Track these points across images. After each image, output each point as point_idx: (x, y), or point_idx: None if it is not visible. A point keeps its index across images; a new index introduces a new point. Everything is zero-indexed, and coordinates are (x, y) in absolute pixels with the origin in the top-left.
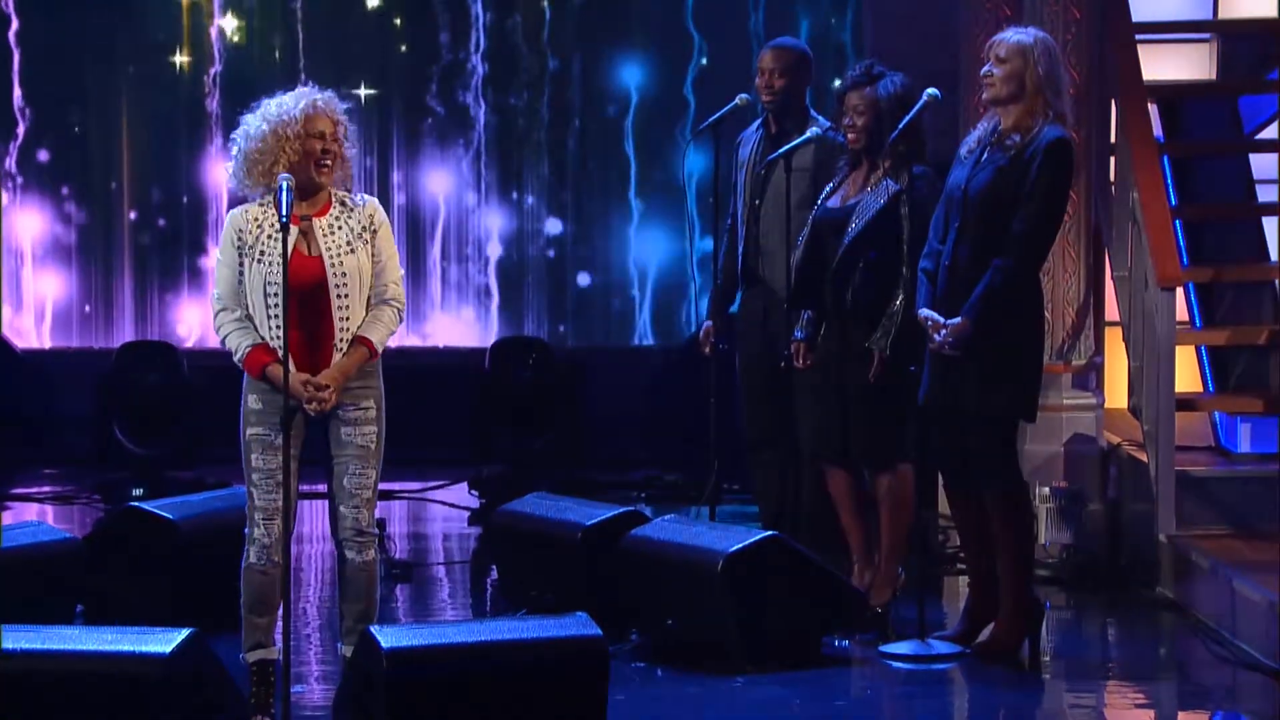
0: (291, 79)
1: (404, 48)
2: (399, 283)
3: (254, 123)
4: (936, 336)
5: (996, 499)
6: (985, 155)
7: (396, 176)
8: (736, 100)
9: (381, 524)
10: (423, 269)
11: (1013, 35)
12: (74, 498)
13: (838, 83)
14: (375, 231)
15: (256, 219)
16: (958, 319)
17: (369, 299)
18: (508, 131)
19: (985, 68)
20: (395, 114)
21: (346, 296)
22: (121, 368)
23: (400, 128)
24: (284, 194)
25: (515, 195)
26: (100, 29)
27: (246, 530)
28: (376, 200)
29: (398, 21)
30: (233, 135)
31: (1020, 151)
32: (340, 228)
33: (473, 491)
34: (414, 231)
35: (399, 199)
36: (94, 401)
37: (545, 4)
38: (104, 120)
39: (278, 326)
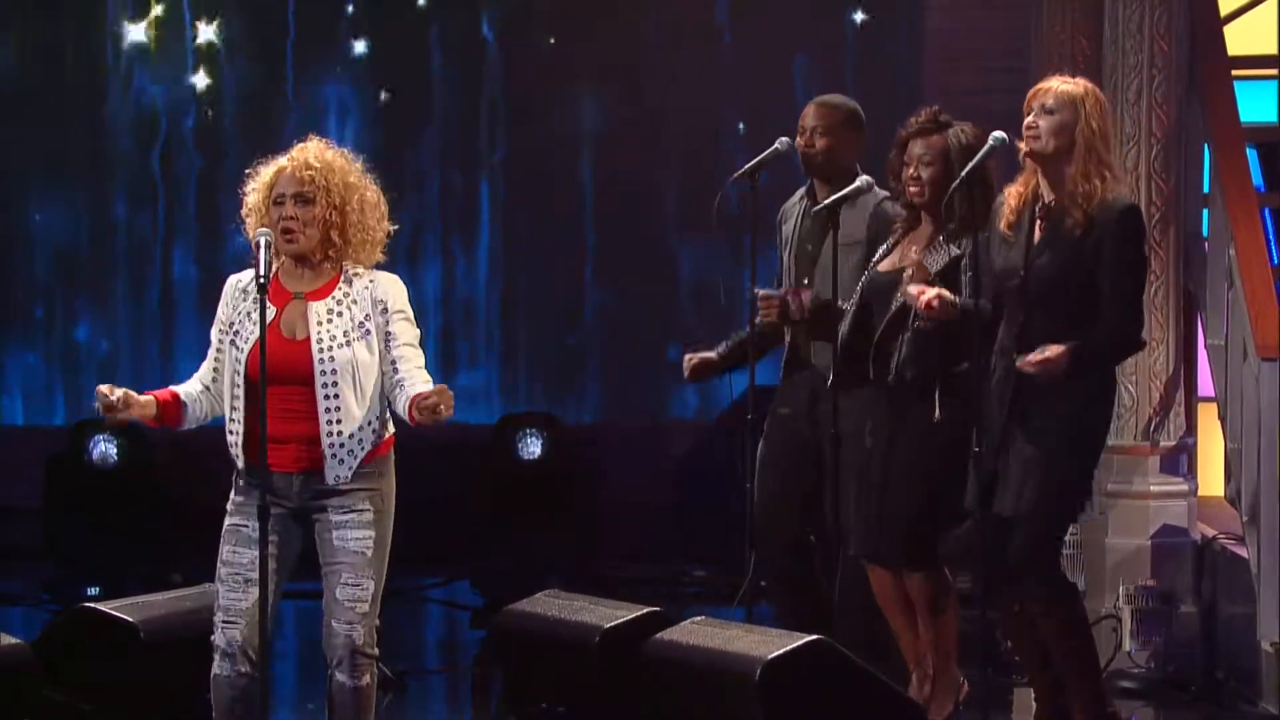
0: None
1: None
2: (423, 367)
3: (248, 191)
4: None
5: (1041, 602)
6: (1039, 234)
7: None
8: (776, 145)
9: (378, 633)
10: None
11: (1060, 84)
12: (20, 598)
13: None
14: (386, 313)
15: (245, 291)
16: (1060, 347)
17: (374, 395)
18: None
19: (1029, 118)
20: None
21: (338, 397)
22: (75, 447)
23: None
24: (262, 252)
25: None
26: None
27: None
28: (394, 278)
29: None
30: None
31: (1087, 227)
32: (342, 314)
33: (475, 589)
34: None
35: None
36: (42, 486)
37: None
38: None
39: (238, 419)
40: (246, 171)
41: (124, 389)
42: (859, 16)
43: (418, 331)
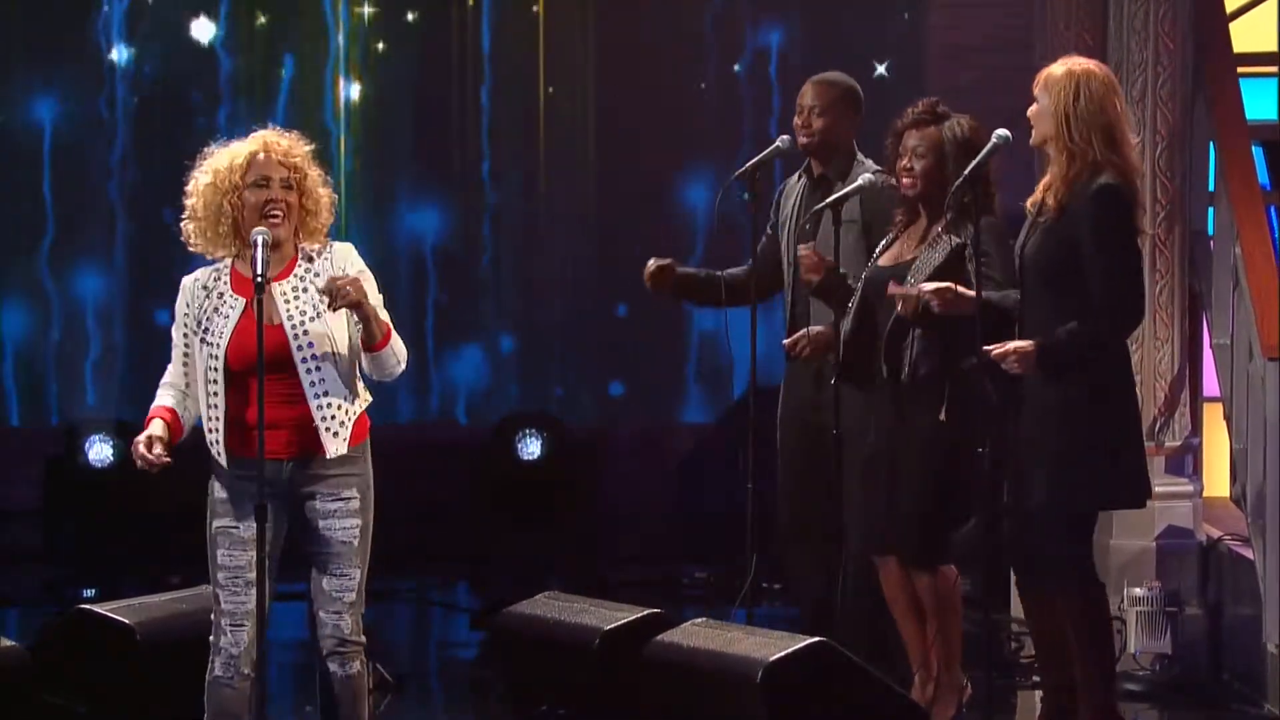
0: None
1: None
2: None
3: (198, 175)
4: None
5: (1073, 603)
6: (1038, 213)
7: None
8: (778, 142)
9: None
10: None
11: (1052, 69)
12: (16, 599)
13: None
14: (345, 276)
15: (206, 288)
16: (1028, 344)
17: (351, 362)
18: None
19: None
20: None
21: (319, 369)
22: (72, 449)
23: None
24: (259, 250)
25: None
26: None
27: (212, 638)
28: (348, 245)
29: None
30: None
31: (1059, 214)
32: (306, 289)
33: (474, 590)
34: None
35: None
36: (40, 488)
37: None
38: None
39: (216, 417)
40: (199, 155)
41: (151, 436)
42: (881, 69)
43: (379, 296)
